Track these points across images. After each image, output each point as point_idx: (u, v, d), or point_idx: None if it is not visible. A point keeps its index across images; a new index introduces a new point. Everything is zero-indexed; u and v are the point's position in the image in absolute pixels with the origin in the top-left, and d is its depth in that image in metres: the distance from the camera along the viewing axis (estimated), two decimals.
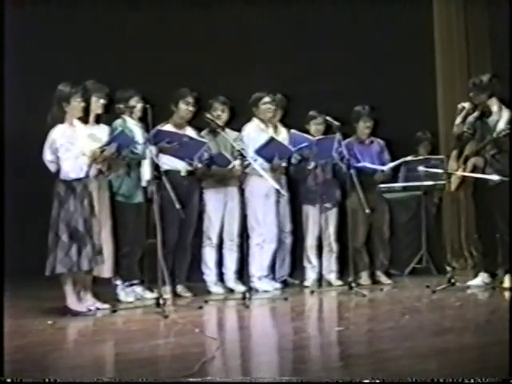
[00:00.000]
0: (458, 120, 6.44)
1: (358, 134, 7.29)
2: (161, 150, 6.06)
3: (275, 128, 7.02)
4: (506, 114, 6.38)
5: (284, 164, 6.89)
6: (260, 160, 6.57)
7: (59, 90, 5.56)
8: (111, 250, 5.83)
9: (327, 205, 7.06)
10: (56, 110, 5.52)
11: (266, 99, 6.88)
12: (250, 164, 6.35)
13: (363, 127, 7.26)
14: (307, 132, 7.10)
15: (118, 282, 6.18)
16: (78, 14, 8.26)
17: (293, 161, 6.92)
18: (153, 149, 5.88)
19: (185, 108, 6.53)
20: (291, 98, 7.24)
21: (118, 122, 6.14)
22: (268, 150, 6.55)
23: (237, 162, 6.41)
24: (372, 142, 7.37)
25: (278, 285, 6.92)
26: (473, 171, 6.38)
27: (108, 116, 6.06)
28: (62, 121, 5.49)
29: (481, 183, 6.35)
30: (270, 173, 6.64)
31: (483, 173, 6.31)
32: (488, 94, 6.41)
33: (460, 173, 6.43)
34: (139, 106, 6.18)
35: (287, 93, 7.16)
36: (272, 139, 6.57)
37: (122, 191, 6.09)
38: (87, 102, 5.69)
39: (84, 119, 5.69)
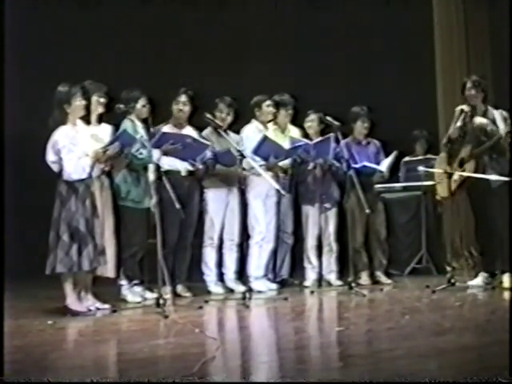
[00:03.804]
0: (459, 123, 6.39)
1: (355, 135, 7.31)
2: (164, 153, 6.07)
3: (283, 129, 7.03)
4: (497, 115, 6.37)
5: (286, 163, 6.88)
6: (258, 159, 6.59)
7: (59, 92, 5.54)
8: (114, 250, 5.81)
9: (327, 205, 7.07)
10: (57, 112, 5.50)
11: (269, 101, 6.89)
12: (252, 167, 6.37)
13: (361, 128, 7.28)
14: (305, 131, 7.14)
15: (124, 283, 6.17)
16: (78, 14, 8.26)
17: (292, 162, 6.92)
18: (156, 152, 5.88)
19: (176, 108, 6.53)
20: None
21: (128, 123, 6.11)
22: (263, 149, 6.57)
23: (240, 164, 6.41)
24: (369, 142, 7.39)
25: (274, 285, 6.91)
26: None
27: (109, 115, 6.04)
28: (64, 123, 5.49)
29: (482, 185, 6.32)
30: (268, 172, 6.64)
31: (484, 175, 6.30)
32: (483, 95, 6.43)
33: (464, 173, 6.40)
34: (145, 107, 6.17)
35: (287, 93, 7.16)
36: (265, 138, 6.58)
37: (132, 197, 6.06)
38: (88, 101, 5.68)
39: (86, 119, 5.69)
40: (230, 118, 6.77)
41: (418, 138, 8.01)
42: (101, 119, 5.93)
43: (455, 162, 6.44)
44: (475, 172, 6.33)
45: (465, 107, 6.40)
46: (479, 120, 6.36)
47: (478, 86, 6.42)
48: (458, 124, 6.37)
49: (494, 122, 6.34)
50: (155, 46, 8.49)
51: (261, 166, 6.51)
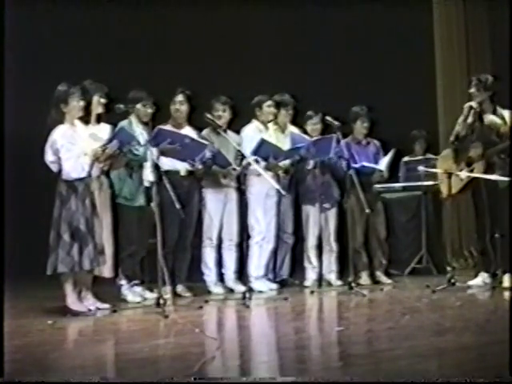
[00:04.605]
0: (470, 119, 6.37)
1: (355, 135, 7.31)
2: (162, 153, 6.06)
3: (283, 129, 7.03)
4: (507, 114, 6.36)
5: (286, 162, 6.87)
6: (258, 159, 6.60)
7: (57, 91, 5.56)
8: (112, 249, 5.82)
9: (326, 205, 7.07)
10: (54, 111, 5.51)
11: (270, 102, 6.89)
12: (249, 164, 6.37)
13: (361, 127, 7.28)
14: (305, 132, 7.14)
15: (123, 283, 6.17)
16: (78, 13, 8.25)
17: (291, 161, 6.92)
18: (154, 150, 5.88)
19: (173, 108, 6.53)
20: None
21: (124, 122, 6.11)
22: (262, 151, 6.57)
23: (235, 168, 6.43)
24: (368, 142, 7.39)
25: (274, 285, 6.91)
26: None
27: (108, 116, 6.04)
28: (61, 122, 5.49)
29: (489, 185, 6.29)
30: (268, 172, 6.65)
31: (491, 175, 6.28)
32: (490, 94, 6.40)
33: (465, 173, 6.39)
34: (146, 108, 6.18)
35: (287, 93, 7.15)
36: (263, 141, 6.58)
37: (124, 194, 6.07)
38: (87, 102, 5.68)
39: (85, 119, 5.69)
40: (226, 115, 6.75)
41: (416, 138, 8.00)
42: (99, 119, 5.92)
43: (462, 161, 6.43)
44: (485, 172, 6.31)
45: (474, 104, 6.38)
46: (490, 118, 6.33)
47: (480, 83, 6.40)
48: (469, 120, 6.36)
49: (505, 122, 6.32)
50: (155, 46, 8.48)
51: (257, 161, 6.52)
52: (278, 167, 6.82)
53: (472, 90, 6.42)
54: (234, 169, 6.50)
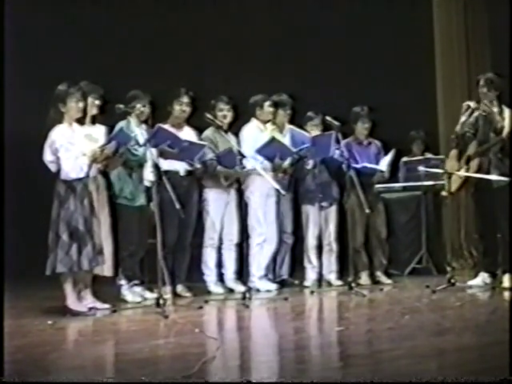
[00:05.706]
0: (463, 119, 6.38)
1: (356, 135, 7.31)
2: (161, 154, 6.06)
3: (281, 129, 7.03)
4: (507, 113, 6.35)
5: (287, 163, 6.87)
6: (261, 159, 6.59)
7: (57, 90, 5.57)
8: (111, 249, 5.81)
9: (324, 203, 7.06)
10: (53, 111, 5.52)
11: (270, 101, 6.88)
12: (254, 170, 6.38)
13: (361, 128, 7.28)
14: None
15: (123, 283, 6.17)
16: (78, 13, 8.25)
17: (291, 161, 6.91)
18: (153, 150, 5.88)
19: (178, 108, 6.54)
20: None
21: (123, 123, 6.12)
22: (269, 150, 6.56)
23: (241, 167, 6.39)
24: (370, 143, 7.39)
25: (274, 285, 6.89)
26: (477, 172, 6.35)
27: (104, 117, 6.03)
28: (59, 122, 5.49)
29: (483, 184, 6.31)
30: (272, 172, 6.65)
31: (487, 174, 6.27)
32: (497, 93, 6.39)
33: (462, 173, 6.40)
34: (145, 108, 6.19)
35: (287, 93, 7.15)
36: (273, 139, 6.57)
37: (125, 194, 6.07)
38: (85, 103, 5.68)
39: (81, 120, 5.68)
40: (230, 115, 6.75)
41: (414, 139, 8.00)
42: (94, 120, 5.92)
43: (463, 159, 6.45)
44: (478, 170, 6.32)
45: (471, 103, 6.38)
46: (490, 110, 6.31)
47: (490, 84, 6.38)
48: (463, 119, 6.36)
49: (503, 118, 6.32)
50: (155, 46, 8.48)
51: (258, 162, 6.52)
52: (284, 167, 6.81)
53: (484, 91, 6.38)
54: (244, 167, 6.36)
